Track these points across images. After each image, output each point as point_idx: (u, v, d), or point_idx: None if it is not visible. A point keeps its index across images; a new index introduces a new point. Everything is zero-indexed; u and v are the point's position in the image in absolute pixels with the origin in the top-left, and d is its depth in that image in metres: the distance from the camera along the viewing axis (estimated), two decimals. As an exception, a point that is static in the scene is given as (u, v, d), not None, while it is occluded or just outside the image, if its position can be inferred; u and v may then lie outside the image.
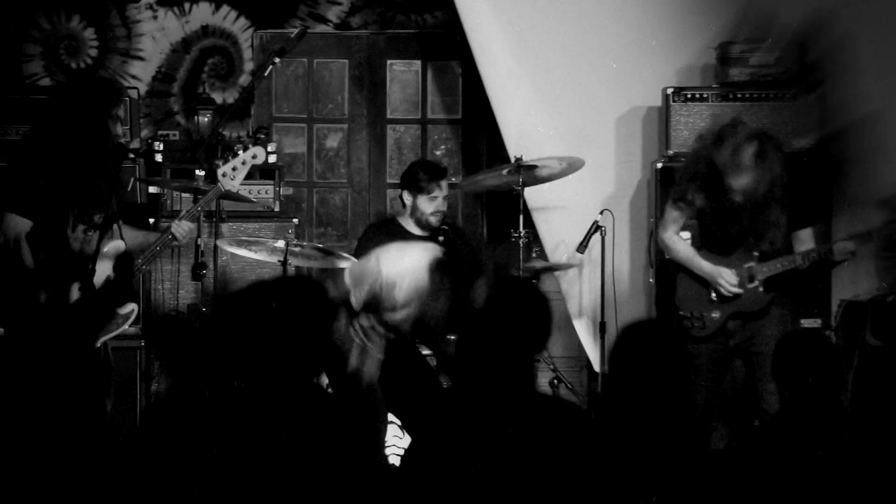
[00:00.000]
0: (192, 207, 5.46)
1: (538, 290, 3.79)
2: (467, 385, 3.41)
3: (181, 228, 5.32)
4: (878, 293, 6.07)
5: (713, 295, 5.27)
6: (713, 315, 5.26)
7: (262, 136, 6.71)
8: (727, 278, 5.23)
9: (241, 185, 6.48)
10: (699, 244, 5.34)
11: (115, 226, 5.26)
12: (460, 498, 3.24)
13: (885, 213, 5.98)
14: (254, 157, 5.52)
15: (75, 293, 5.16)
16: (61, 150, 5.10)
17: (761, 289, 5.24)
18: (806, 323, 6.22)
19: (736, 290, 5.22)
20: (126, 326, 5.36)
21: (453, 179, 7.55)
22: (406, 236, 6.16)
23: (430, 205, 6.01)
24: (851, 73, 6.08)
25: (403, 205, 6.11)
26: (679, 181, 5.40)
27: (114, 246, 5.26)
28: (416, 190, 6.03)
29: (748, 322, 5.27)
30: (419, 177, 6.04)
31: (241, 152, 5.51)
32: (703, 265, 5.30)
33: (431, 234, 6.10)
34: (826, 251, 5.23)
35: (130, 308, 5.36)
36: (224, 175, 5.45)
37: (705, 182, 5.22)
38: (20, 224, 5.09)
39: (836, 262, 5.27)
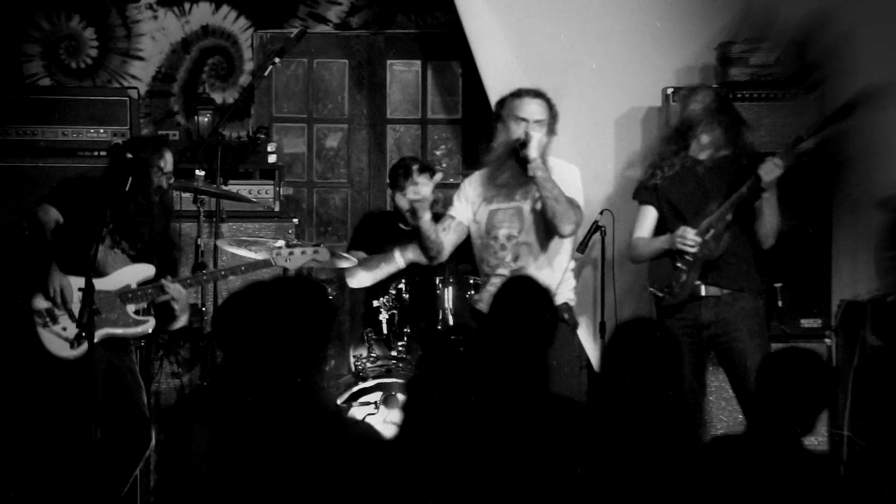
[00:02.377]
0: (235, 267, 5.63)
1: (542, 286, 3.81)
2: (480, 382, 3.43)
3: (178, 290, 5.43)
4: (878, 293, 6.07)
5: (677, 263, 5.39)
6: (681, 279, 5.39)
7: (263, 136, 6.72)
8: (682, 232, 5.38)
9: (241, 184, 6.53)
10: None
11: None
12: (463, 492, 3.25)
13: (885, 213, 5.99)
14: (315, 251, 5.57)
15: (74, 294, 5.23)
16: (111, 182, 5.33)
17: (719, 232, 5.40)
18: (806, 323, 6.23)
19: (694, 239, 5.33)
20: (135, 331, 5.42)
21: (451, 180, 7.54)
22: (396, 231, 6.18)
23: (406, 201, 6.03)
24: (851, 72, 6.07)
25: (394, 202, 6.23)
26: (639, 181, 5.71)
27: (143, 268, 5.39)
28: (394, 187, 6.15)
29: (723, 299, 5.39)
30: (394, 174, 6.17)
31: (310, 245, 5.60)
32: (661, 239, 5.53)
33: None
34: (755, 178, 5.32)
35: (147, 318, 5.45)
36: (279, 249, 5.53)
37: (666, 153, 5.59)
38: (52, 213, 5.28)
39: (767, 180, 5.32)
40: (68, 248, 5.33)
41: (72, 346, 5.22)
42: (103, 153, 6.32)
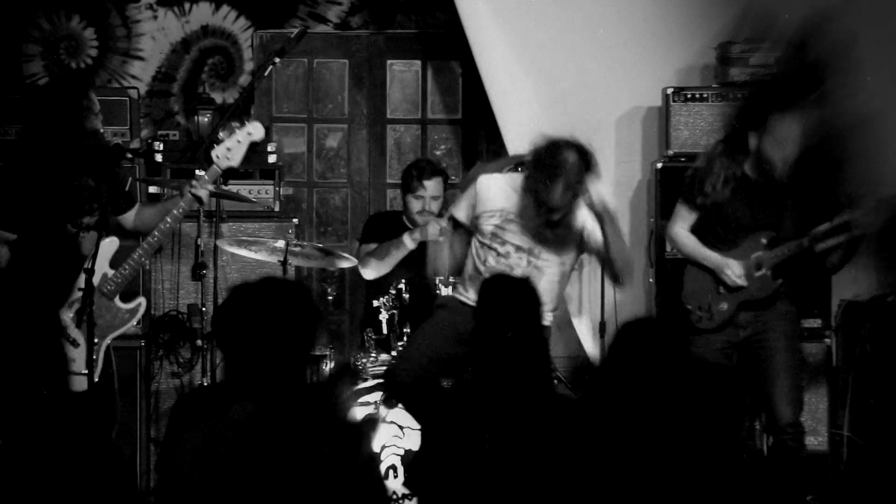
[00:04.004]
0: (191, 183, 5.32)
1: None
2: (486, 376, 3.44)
3: (201, 191, 5.21)
4: (878, 293, 6.07)
5: (720, 287, 5.30)
6: (721, 307, 5.32)
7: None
8: (733, 269, 5.28)
9: (241, 184, 6.52)
10: (705, 242, 5.39)
11: (128, 213, 5.27)
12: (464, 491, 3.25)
13: (885, 212, 5.98)
14: (250, 133, 5.30)
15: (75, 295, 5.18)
16: (39, 158, 5.14)
17: (769, 274, 5.28)
18: (806, 323, 6.23)
19: (741, 281, 5.27)
20: (133, 323, 5.35)
21: (453, 179, 7.56)
22: (405, 230, 6.18)
23: (416, 203, 6.10)
24: (852, 72, 6.07)
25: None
26: (693, 177, 5.43)
27: (108, 243, 5.27)
28: (405, 188, 6.15)
29: (758, 311, 5.30)
30: (407, 175, 6.17)
31: (237, 130, 5.30)
32: (711, 255, 5.37)
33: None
34: (843, 223, 5.20)
35: (137, 302, 5.36)
36: (218, 157, 5.27)
37: (725, 172, 5.32)
38: (2, 236, 5.16)
39: (857, 234, 5.22)
40: (33, 267, 5.18)
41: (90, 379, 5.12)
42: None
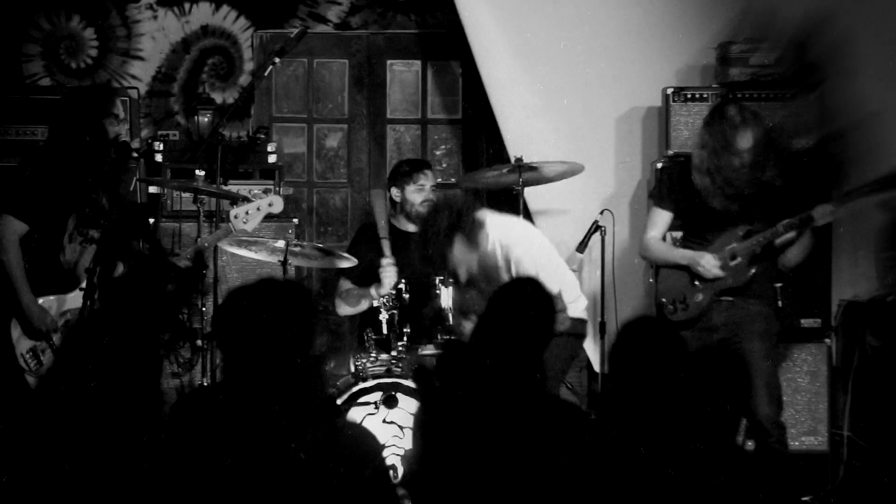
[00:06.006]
0: (197, 244, 5.40)
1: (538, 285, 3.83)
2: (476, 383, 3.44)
3: (181, 263, 5.26)
4: (878, 293, 6.08)
5: (695, 281, 5.38)
6: (696, 298, 5.39)
7: (263, 136, 6.71)
8: (707, 261, 5.37)
9: (241, 184, 6.52)
10: (684, 239, 5.48)
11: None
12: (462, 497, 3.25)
13: (884, 213, 5.99)
14: (270, 205, 5.45)
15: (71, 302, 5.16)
16: (67, 159, 5.16)
17: (744, 262, 5.37)
18: (806, 323, 6.23)
19: (717, 271, 5.33)
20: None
21: (453, 180, 7.56)
22: (400, 235, 6.19)
23: (419, 194, 6.10)
24: (851, 73, 6.08)
25: (393, 203, 6.18)
26: (660, 180, 5.54)
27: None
28: (403, 182, 6.14)
29: (731, 310, 5.33)
30: (403, 169, 6.17)
31: (258, 198, 5.44)
32: (681, 254, 5.52)
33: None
34: (806, 217, 5.30)
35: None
36: (236, 217, 5.39)
37: (691, 173, 5.46)
38: (16, 227, 5.15)
39: (817, 225, 5.34)
40: (37, 263, 5.20)
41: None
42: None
